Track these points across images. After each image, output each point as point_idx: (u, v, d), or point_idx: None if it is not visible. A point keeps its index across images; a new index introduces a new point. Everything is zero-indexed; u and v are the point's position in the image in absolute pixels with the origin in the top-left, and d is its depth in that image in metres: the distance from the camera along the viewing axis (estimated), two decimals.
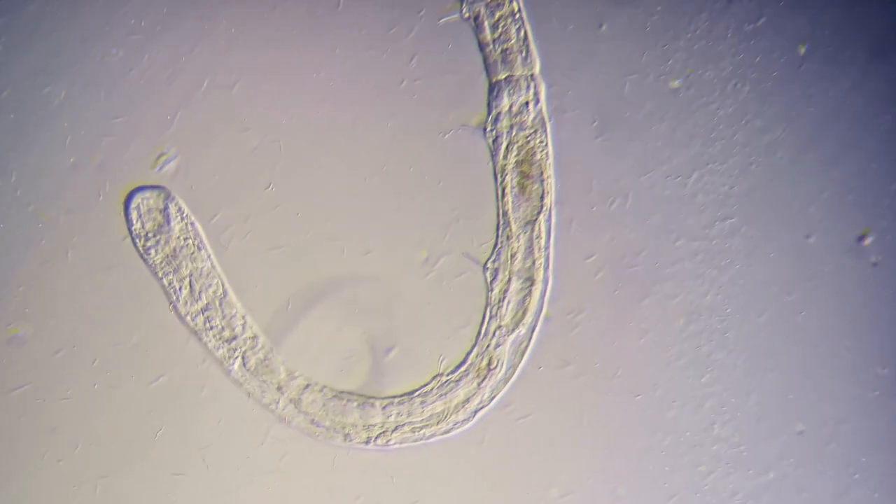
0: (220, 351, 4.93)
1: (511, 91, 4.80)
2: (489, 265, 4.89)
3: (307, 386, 4.95)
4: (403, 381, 4.96)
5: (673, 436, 4.88)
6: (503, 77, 4.80)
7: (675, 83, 4.78)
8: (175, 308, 4.91)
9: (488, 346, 4.93)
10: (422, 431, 4.96)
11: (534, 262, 4.88)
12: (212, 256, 4.89)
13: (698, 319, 4.84)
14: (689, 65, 4.76)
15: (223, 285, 4.91)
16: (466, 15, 4.78)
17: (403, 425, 4.96)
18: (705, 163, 4.79)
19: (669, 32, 4.74)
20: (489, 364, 4.92)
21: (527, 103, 4.80)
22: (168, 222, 4.85)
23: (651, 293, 4.84)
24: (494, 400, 4.95)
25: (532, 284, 4.88)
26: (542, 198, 4.84)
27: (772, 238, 4.83)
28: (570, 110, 4.81)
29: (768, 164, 4.79)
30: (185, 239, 4.87)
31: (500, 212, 4.87)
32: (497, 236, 4.89)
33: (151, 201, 4.83)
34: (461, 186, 4.87)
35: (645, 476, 4.89)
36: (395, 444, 4.97)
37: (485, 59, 4.81)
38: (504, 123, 4.82)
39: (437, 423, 4.96)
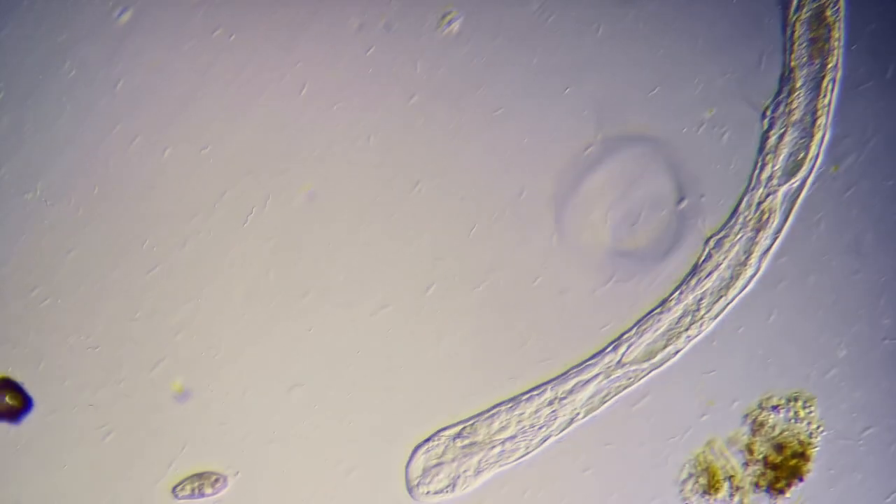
0: None
1: None
2: (767, 114, 4.94)
3: None
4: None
5: None
6: None
7: None
8: None
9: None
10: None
11: (814, 117, 4.92)
12: None
13: None
14: None
15: None
16: None
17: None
18: None
19: None
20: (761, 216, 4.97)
21: None
22: None
23: None
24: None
25: (810, 139, 4.94)
26: (828, 55, 4.87)
27: None
28: None
29: None
30: None
31: (787, 65, 4.91)
32: (780, 88, 4.93)
33: None
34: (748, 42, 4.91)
35: None
36: None
37: None
38: None
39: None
